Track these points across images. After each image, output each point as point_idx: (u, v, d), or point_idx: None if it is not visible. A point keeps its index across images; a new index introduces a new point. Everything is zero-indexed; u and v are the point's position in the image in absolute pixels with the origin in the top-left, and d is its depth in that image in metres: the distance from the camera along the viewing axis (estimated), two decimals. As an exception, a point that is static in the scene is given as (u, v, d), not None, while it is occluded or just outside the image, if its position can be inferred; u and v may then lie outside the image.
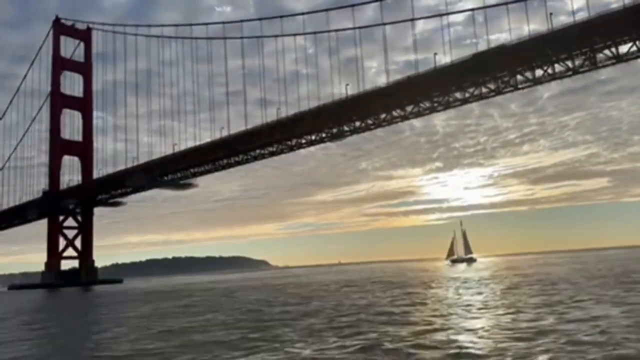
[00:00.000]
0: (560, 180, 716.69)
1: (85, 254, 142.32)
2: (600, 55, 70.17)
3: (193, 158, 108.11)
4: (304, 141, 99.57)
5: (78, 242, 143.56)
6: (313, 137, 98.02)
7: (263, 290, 59.79)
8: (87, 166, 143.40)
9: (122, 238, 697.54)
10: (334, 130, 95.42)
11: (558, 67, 73.88)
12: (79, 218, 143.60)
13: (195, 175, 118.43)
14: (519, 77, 76.91)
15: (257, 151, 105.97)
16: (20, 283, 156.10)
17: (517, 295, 32.57)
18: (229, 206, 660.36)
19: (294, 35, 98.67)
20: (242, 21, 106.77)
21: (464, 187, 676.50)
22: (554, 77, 74.96)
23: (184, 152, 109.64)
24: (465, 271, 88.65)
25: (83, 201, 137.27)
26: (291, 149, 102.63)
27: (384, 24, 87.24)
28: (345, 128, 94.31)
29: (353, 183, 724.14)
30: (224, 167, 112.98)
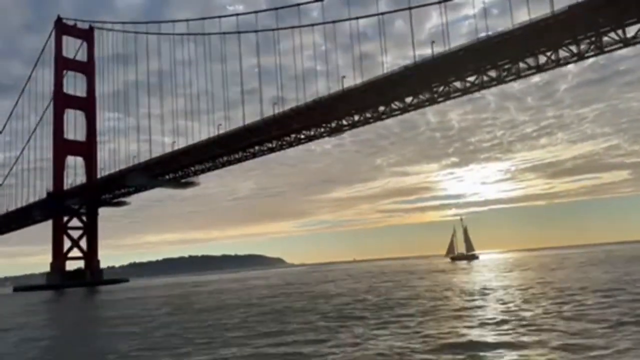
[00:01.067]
0: (580, 174, 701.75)
1: (90, 254, 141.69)
2: (606, 39, 66.32)
3: (191, 156, 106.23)
4: (302, 136, 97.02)
5: (84, 243, 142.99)
6: (312, 133, 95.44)
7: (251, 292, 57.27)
8: (91, 166, 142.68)
9: (141, 237, 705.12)
10: (333, 125, 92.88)
11: (562, 53, 70.31)
12: (84, 218, 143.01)
13: (196, 173, 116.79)
14: (521, 64, 73.45)
15: (257, 147, 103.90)
16: (25, 285, 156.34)
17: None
18: (246, 204, 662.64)
19: (311, 25, 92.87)
20: (256, 12, 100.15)
21: (481, 182, 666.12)
22: (558, 63, 71.26)
23: (182, 150, 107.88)
24: (480, 273, 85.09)
25: (87, 201, 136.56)
26: (290, 145, 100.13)
27: (404, 9, 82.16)
28: (344, 122, 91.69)
29: (368, 180, 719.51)
30: (223, 165, 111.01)
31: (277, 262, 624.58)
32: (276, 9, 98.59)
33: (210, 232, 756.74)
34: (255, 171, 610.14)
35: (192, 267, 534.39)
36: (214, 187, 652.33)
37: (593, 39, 67.24)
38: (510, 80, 75.93)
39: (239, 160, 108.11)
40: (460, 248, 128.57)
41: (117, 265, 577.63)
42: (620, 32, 64.81)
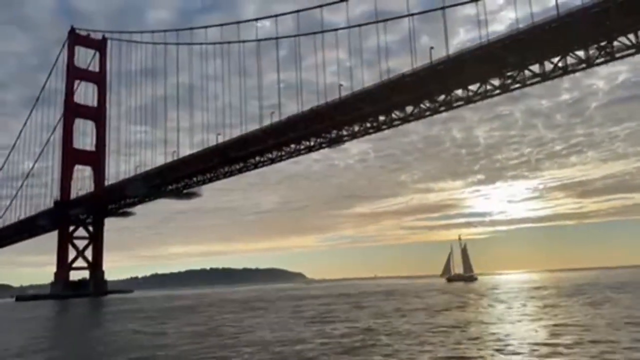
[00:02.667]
0: (610, 194, 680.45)
1: (95, 265, 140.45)
2: (617, 44, 61.44)
3: (189, 166, 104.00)
4: (302, 147, 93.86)
5: (90, 253, 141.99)
6: (311, 143, 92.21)
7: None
8: (99, 176, 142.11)
9: (166, 249, 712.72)
10: (333, 135, 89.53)
11: (570, 60, 65.63)
12: (90, 228, 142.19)
13: (197, 183, 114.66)
14: (526, 72, 68.90)
15: (257, 158, 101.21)
16: (28, 294, 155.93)
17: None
18: (269, 218, 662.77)
19: (335, 30, 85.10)
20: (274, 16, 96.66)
21: (507, 200, 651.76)
22: (566, 70, 66.52)
23: (180, 160, 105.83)
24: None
25: (92, 211, 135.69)
26: (290, 155, 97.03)
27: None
28: (344, 132, 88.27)
29: (392, 196, 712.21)
30: (225, 175, 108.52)
31: (298, 277, 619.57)
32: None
33: (233, 244, 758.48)
34: (279, 185, 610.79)
35: (214, 279, 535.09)
36: (238, 200, 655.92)
37: (603, 44, 62.70)
38: (515, 89, 71.40)
39: (240, 171, 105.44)
40: (458, 269, 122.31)
41: (139, 276, 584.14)
42: (632, 36, 60.04)
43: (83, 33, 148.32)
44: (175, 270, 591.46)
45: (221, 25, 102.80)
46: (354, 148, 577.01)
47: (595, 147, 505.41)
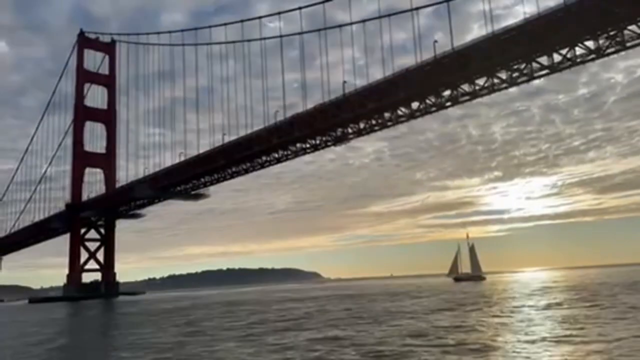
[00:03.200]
0: (630, 189, 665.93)
1: (107, 267, 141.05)
2: (627, 33, 59.12)
3: (196, 167, 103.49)
4: (308, 146, 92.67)
5: (102, 255, 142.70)
6: (317, 142, 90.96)
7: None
8: (110, 178, 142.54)
9: (182, 250, 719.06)
10: (338, 133, 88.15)
11: (579, 50, 63.38)
12: (102, 230, 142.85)
13: (205, 184, 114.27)
14: (534, 64, 66.80)
15: (264, 158, 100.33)
16: (40, 297, 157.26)
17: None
18: (284, 218, 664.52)
19: (341, 26, 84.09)
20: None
21: (525, 197, 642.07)
22: (575, 61, 64.29)
23: (186, 162, 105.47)
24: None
25: (102, 213, 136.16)
26: (296, 154, 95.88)
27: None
28: (349, 130, 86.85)
29: (407, 194, 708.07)
30: (232, 176, 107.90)
31: (313, 276, 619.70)
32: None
33: (249, 245, 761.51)
34: (293, 185, 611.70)
35: (230, 280, 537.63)
36: (252, 200, 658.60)
37: (612, 33, 60.40)
38: (522, 82, 69.26)
39: (246, 171, 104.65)
40: (465, 268, 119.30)
41: (157, 277, 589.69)
42: (642, 24, 57.70)
43: (92, 36, 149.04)
44: (192, 271, 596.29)
45: (225, 24, 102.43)
46: (369, 147, 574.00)
47: (614, 142, 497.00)
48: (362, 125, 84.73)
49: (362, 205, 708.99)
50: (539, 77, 67.68)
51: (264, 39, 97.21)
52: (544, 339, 20.79)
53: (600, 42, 61.16)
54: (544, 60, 65.66)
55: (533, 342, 20.21)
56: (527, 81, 68.89)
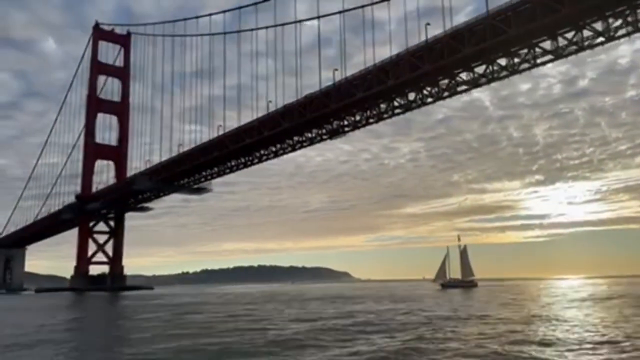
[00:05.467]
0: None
1: (115, 260, 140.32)
2: (640, 12, 52.10)
3: (193, 159, 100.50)
4: (303, 139, 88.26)
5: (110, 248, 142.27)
6: (313, 134, 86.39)
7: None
8: (121, 170, 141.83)
9: (219, 245, 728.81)
10: (334, 125, 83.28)
11: (586, 32, 56.59)
12: (111, 223, 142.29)
13: (207, 178, 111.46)
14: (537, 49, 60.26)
15: (262, 151, 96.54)
16: (45, 287, 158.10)
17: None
18: (318, 217, 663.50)
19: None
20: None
21: (567, 202, 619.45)
22: (582, 46, 57.50)
23: (185, 154, 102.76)
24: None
25: (111, 205, 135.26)
26: (293, 148, 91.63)
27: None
28: (345, 122, 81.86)
29: (444, 196, 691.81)
30: (231, 170, 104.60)
31: (344, 276, 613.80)
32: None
33: (283, 242, 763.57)
34: (327, 184, 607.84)
35: (261, 276, 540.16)
36: (287, 198, 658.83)
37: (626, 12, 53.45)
38: (525, 70, 62.78)
39: (245, 165, 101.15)
40: (455, 273, 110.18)
41: (190, 271, 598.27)
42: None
43: (107, 28, 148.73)
44: (224, 266, 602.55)
45: (224, 11, 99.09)
46: (405, 147, 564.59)
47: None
48: (358, 117, 79.99)
49: (397, 206, 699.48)
50: (543, 63, 61.15)
51: (258, 29, 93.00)
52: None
53: (612, 23, 54.44)
54: (547, 45, 59.43)
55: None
56: (530, 68, 62.47)
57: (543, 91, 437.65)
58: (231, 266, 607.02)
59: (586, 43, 56.86)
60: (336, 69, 74.13)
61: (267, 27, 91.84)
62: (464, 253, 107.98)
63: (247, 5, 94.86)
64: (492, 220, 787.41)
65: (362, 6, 74.13)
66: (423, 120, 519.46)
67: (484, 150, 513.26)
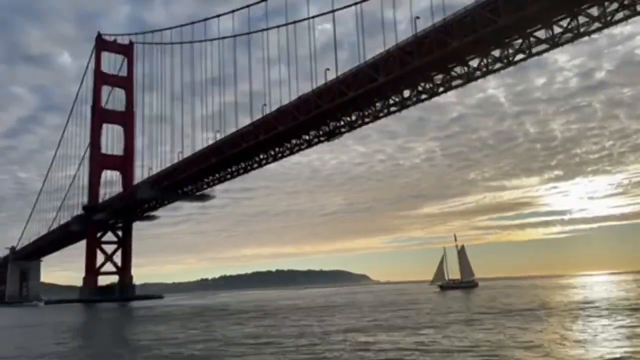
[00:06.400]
0: None
1: (123, 269, 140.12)
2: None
3: (193, 166, 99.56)
4: (301, 141, 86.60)
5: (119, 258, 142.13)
6: (309, 137, 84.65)
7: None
8: (127, 180, 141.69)
9: (239, 251, 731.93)
10: (331, 126, 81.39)
11: (582, 19, 53.95)
12: (119, 233, 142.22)
13: (208, 185, 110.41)
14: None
15: (261, 155, 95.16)
16: (55, 298, 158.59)
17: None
18: (335, 220, 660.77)
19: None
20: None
21: (588, 196, 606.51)
22: (578, 33, 54.85)
23: (184, 161, 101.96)
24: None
25: (117, 215, 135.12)
26: (291, 151, 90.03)
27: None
28: (342, 123, 79.95)
29: (461, 195, 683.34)
30: (232, 175, 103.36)
31: (362, 278, 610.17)
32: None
33: (301, 246, 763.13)
34: (343, 186, 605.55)
35: (278, 281, 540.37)
36: (304, 202, 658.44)
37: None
38: (521, 60, 60.23)
39: (245, 170, 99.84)
40: (454, 274, 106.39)
41: (209, 277, 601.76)
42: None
43: (110, 38, 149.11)
44: (243, 272, 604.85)
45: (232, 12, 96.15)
46: (420, 147, 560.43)
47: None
48: (353, 117, 78.07)
49: (414, 206, 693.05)
50: (538, 53, 58.54)
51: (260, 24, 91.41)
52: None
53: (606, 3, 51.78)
54: (541, 34, 56.89)
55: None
56: (525, 59, 59.90)
57: (559, 85, 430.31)
58: (249, 272, 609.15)
59: (582, 30, 54.34)
60: (328, 69, 72.36)
61: (278, 27, 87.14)
62: (461, 253, 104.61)
63: (255, 3, 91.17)
64: (511, 218, 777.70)
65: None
66: (437, 119, 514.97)
67: (501, 147, 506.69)
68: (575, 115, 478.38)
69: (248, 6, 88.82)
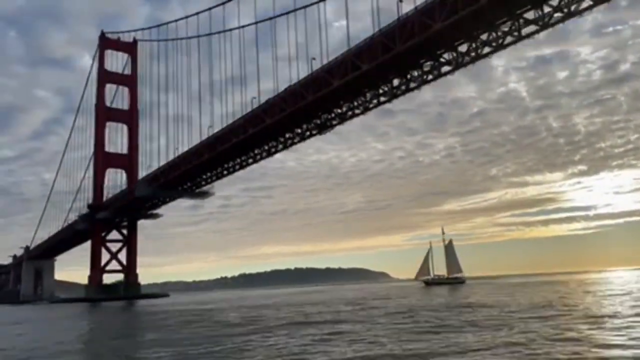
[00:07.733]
0: None
1: (129, 268, 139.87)
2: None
3: (188, 162, 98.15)
4: (292, 135, 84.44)
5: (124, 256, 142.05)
6: (300, 131, 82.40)
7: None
8: (132, 179, 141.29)
9: (258, 249, 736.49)
10: (323, 119, 78.97)
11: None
12: (124, 231, 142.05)
13: (206, 181, 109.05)
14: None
15: (256, 150, 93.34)
16: (60, 297, 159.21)
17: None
18: (355, 217, 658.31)
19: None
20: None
21: (614, 191, 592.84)
22: (570, 12, 51.49)
23: (180, 157, 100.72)
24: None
25: (121, 213, 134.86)
26: (285, 145, 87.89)
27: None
28: (332, 115, 77.47)
29: (483, 191, 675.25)
30: (229, 171, 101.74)
31: (382, 276, 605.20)
32: None
33: (320, 244, 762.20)
34: (363, 184, 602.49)
35: (297, 279, 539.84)
36: (323, 200, 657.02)
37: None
38: (511, 44, 56.88)
39: (242, 166, 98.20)
40: (440, 270, 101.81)
41: (229, 275, 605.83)
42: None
43: (113, 37, 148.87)
44: (262, 270, 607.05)
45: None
46: (440, 143, 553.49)
47: None
48: (344, 109, 75.57)
49: (434, 203, 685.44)
50: (528, 35, 55.17)
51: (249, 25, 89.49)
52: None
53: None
54: (530, 15, 53.55)
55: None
56: (516, 42, 56.55)
57: (582, 78, 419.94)
58: (268, 269, 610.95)
59: (572, 8, 50.89)
60: (314, 58, 69.98)
61: (287, 13, 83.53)
62: (449, 248, 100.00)
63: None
64: (534, 214, 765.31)
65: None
66: (458, 115, 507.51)
67: (523, 142, 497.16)
68: (599, 109, 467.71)
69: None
